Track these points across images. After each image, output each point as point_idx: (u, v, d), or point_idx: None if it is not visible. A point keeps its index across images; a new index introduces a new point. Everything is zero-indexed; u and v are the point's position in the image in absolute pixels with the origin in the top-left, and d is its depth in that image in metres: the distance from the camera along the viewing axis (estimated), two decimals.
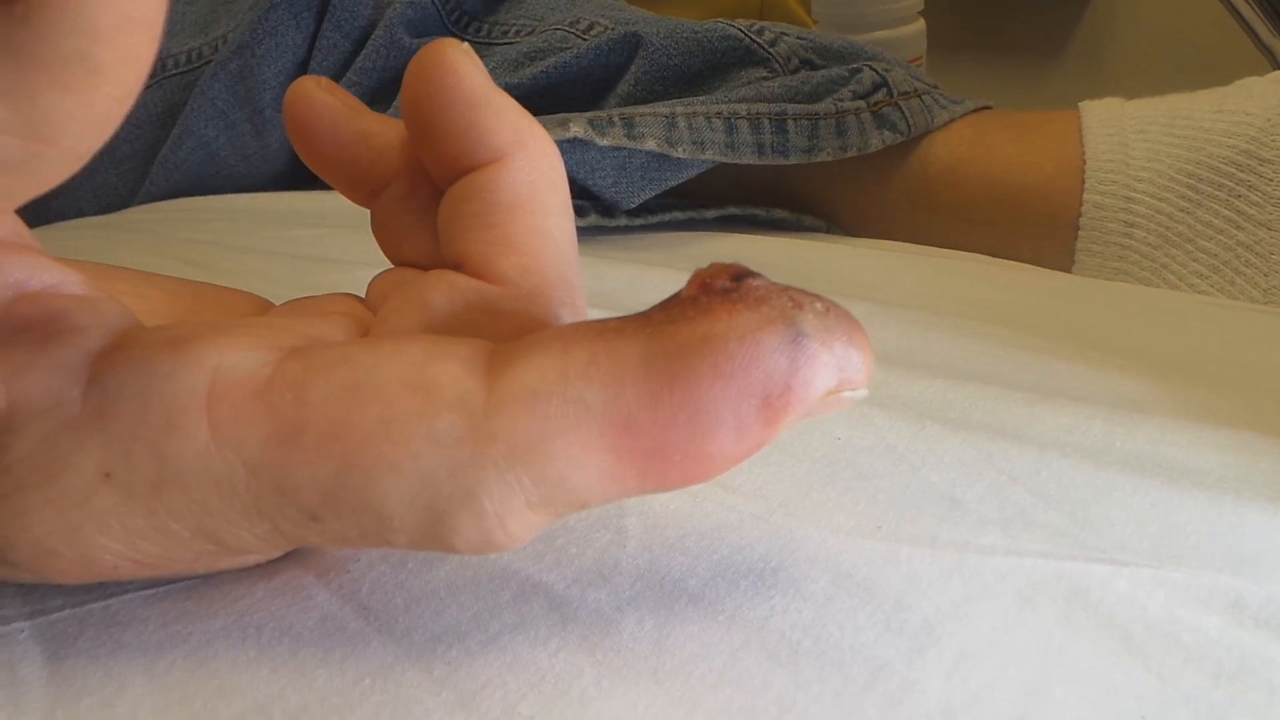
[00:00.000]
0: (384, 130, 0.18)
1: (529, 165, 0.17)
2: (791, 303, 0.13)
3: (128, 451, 0.12)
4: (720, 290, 0.13)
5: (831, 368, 0.13)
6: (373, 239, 0.20)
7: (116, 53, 0.10)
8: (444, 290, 0.16)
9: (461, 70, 0.17)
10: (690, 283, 0.14)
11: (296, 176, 0.46)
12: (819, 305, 0.13)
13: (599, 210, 0.35)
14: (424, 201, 0.18)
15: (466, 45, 0.17)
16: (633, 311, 0.27)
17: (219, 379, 0.12)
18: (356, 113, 0.18)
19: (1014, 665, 0.14)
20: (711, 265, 0.14)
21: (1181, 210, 0.36)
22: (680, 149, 0.34)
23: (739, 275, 0.14)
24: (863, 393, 0.13)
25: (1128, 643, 0.15)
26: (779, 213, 0.38)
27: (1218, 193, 0.35)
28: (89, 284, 0.14)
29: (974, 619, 0.15)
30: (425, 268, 0.18)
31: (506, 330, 0.16)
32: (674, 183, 0.35)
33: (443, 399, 0.12)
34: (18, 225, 0.14)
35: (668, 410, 0.12)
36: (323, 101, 0.18)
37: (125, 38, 0.10)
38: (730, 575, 0.16)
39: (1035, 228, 0.37)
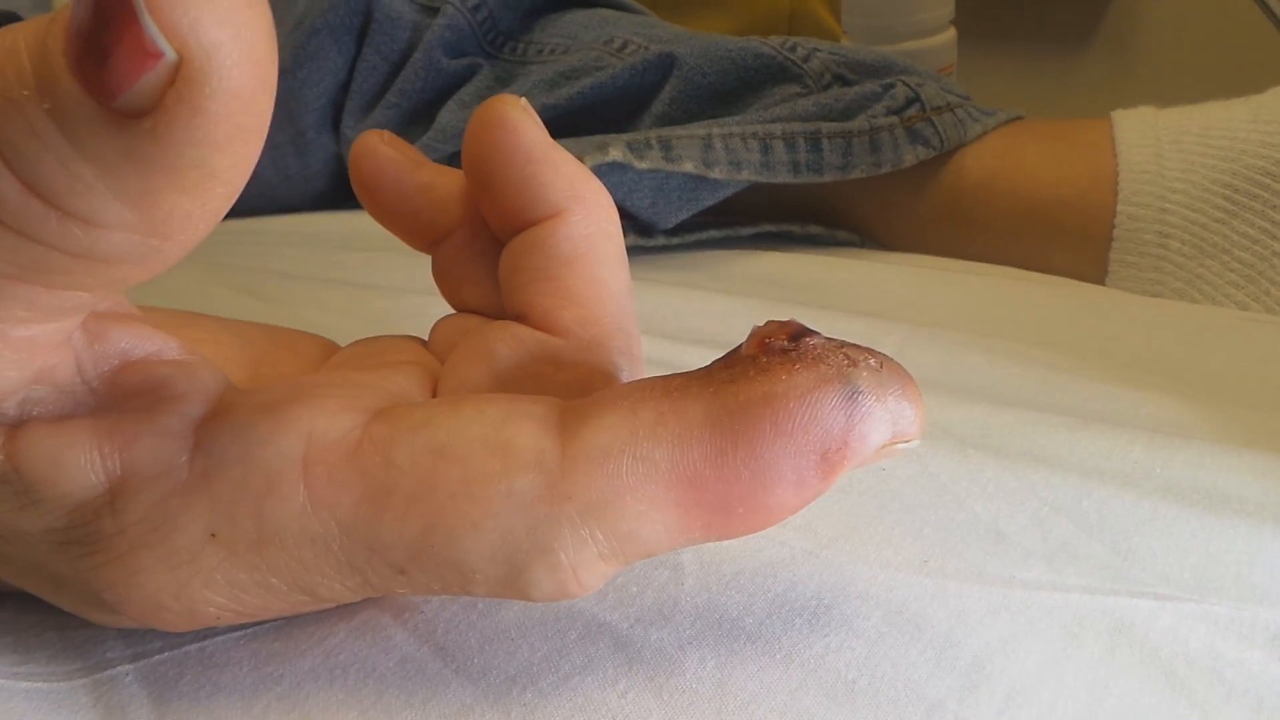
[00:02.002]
0: (445, 182, 0.19)
1: (586, 219, 0.18)
2: (847, 360, 0.14)
3: (231, 513, 0.13)
4: (779, 349, 0.14)
5: (886, 422, 0.13)
6: (419, 264, 0.21)
7: (230, 159, 0.11)
8: (508, 342, 0.17)
9: (521, 128, 0.17)
10: (749, 340, 0.15)
11: (335, 195, 0.47)
12: (873, 361, 0.14)
13: (636, 230, 0.35)
14: (483, 250, 0.19)
15: (524, 101, 0.18)
16: (677, 333, 0.27)
17: (313, 444, 0.13)
18: (418, 166, 0.19)
19: (1062, 701, 0.15)
20: (769, 323, 0.15)
21: (1217, 221, 0.36)
22: (717, 170, 0.34)
23: (797, 334, 0.14)
24: (915, 444, 0.14)
25: (1171, 678, 0.15)
26: (813, 228, 0.38)
27: (1253, 203, 0.35)
28: (184, 348, 0.15)
29: (1022, 655, 0.16)
30: (485, 313, 0.19)
31: (568, 380, 0.17)
32: (710, 202, 0.35)
33: (521, 459, 0.13)
34: (120, 297, 0.15)
35: (731, 466, 0.13)
36: (386, 155, 0.19)
37: (239, 146, 0.11)
38: (785, 613, 0.16)
39: (1069, 240, 0.37)
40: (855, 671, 0.15)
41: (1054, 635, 0.16)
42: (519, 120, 0.17)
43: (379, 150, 0.19)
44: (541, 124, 0.18)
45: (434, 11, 0.44)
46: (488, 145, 0.17)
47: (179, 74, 0.10)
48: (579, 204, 0.18)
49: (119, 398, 0.14)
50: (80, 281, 0.12)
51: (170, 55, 0.10)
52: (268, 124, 0.11)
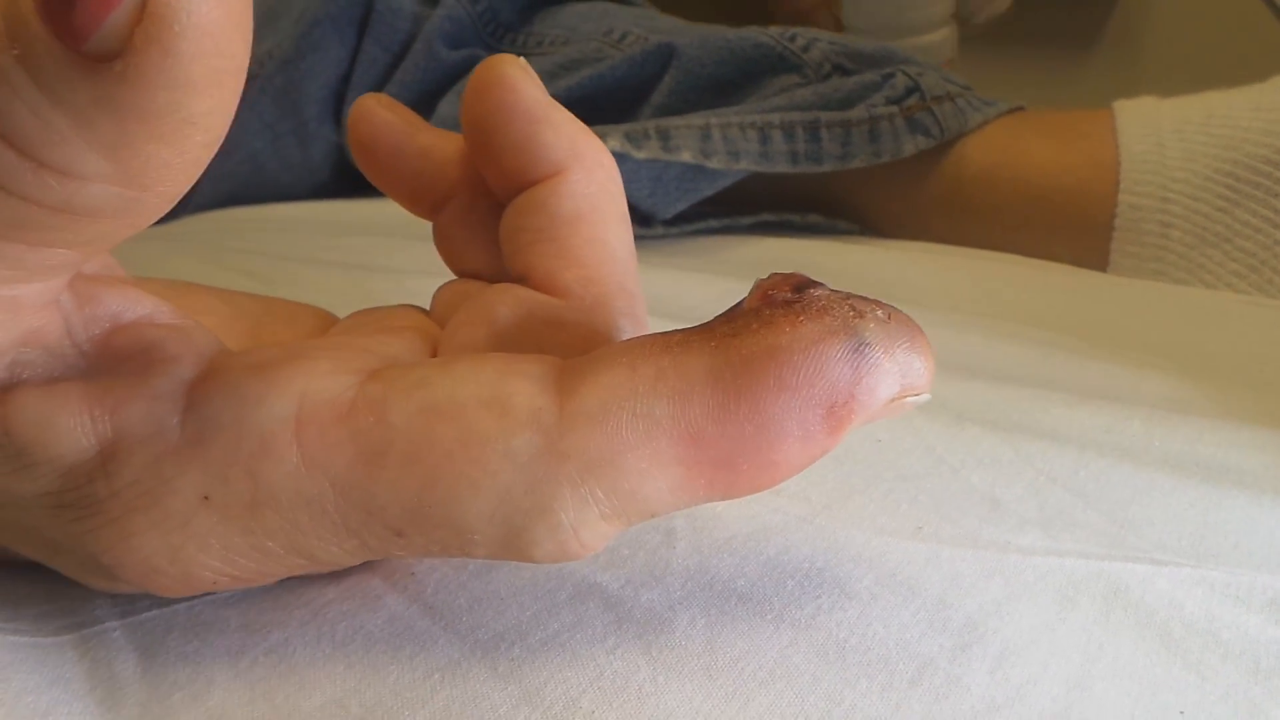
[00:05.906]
0: (444, 145, 0.19)
1: (587, 178, 0.17)
2: (853, 311, 0.13)
3: (224, 475, 0.13)
4: (782, 301, 0.14)
5: (894, 375, 0.13)
6: (418, 246, 0.20)
7: (207, 104, 0.11)
8: (509, 303, 0.17)
9: (520, 87, 0.17)
10: (752, 293, 0.14)
11: (338, 185, 0.47)
12: (880, 313, 0.13)
13: (636, 221, 0.35)
14: (484, 214, 0.19)
15: (523, 61, 0.18)
16: (678, 313, 0.27)
17: (306, 404, 0.13)
18: (417, 129, 0.19)
19: (1055, 661, 0.15)
20: (772, 276, 0.14)
21: (1218, 210, 0.36)
22: (715, 160, 0.34)
23: (801, 286, 0.14)
24: (925, 397, 0.13)
25: (1167, 640, 0.15)
26: (813, 218, 0.38)
27: (1255, 191, 0.35)
28: (178, 313, 0.15)
29: (1016, 617, 0.16)
30: (487, 278, 0.19)
31: (571, 341, 0.17)
32: (709, 192, 0.35)
33: (518, 417, 0.13)
34: (109, 259, 0.15)
35: (735, 422, 0.13)
36: (384, 119, 0.19)
37: (215, 89, 0.11)
38: (777, 575, 0.16)
39: (1070, 230, 0.37)
40: (847, 631, 0.15)
41: (1049, 598, 0.16)
42: (518, 79, 0.17)
43: (376, 113, 0.19)
44: (540, 83, 0.18)
45: (434, 3, 0.44)
46: (488, 104, 0.17)
47: (146, 12, 0.10)
48: (580, 162, 0.17)
49: (110, 361, 0.14)
50: (61, 238, 0.12)
51: None
52: (244, 68, 0.11)
